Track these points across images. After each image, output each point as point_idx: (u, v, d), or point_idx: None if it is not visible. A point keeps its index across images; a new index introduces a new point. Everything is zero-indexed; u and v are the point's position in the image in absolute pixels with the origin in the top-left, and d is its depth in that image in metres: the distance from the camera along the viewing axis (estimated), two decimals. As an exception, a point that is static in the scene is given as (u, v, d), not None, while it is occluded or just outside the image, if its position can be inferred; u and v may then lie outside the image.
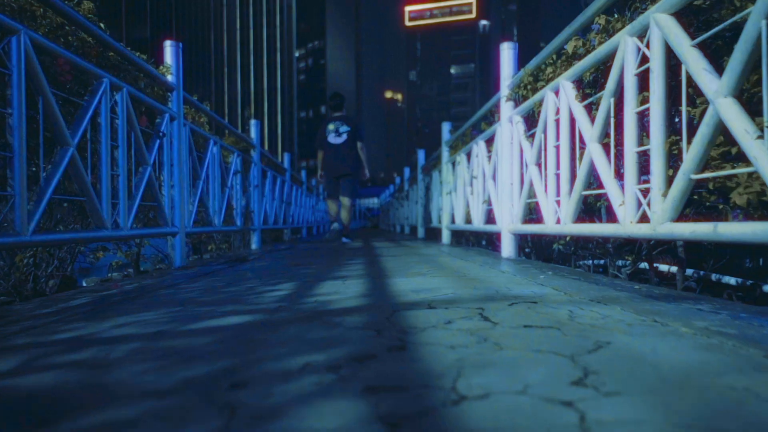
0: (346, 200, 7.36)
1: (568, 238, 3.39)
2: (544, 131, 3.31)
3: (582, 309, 1.76)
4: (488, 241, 5.73)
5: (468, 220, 5.55)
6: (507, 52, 4.14)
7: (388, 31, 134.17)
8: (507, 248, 3.95)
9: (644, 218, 2.25)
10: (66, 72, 2.76)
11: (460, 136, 6.28)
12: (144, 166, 3.38)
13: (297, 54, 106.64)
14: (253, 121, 6.86)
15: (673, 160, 2.25)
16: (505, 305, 1.85)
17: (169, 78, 3.96)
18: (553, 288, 2.25)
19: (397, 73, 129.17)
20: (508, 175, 3.93)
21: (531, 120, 3.77)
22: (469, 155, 5.56)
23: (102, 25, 3.28)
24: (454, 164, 6.39)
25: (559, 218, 3.01)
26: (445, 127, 6.93)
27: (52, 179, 2.46)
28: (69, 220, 3.04)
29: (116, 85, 3.05)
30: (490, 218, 4.70)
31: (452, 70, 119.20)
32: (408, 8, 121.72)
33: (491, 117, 4.88)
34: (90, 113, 2.77)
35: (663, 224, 2.06)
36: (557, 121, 3.14)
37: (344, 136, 7.36)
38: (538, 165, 3.44)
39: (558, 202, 3.08)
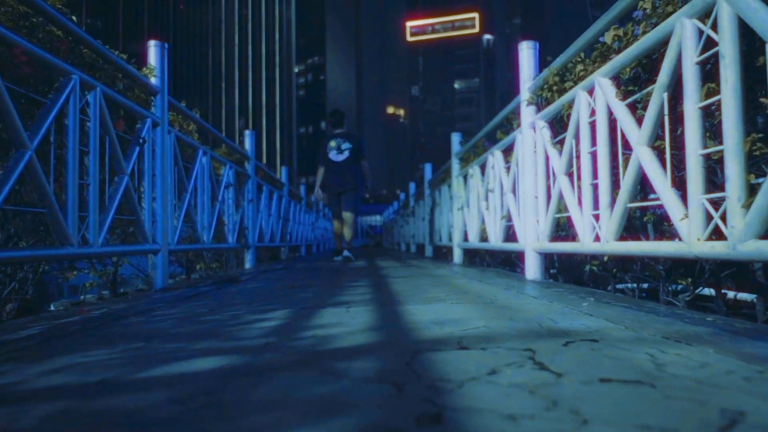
0: (348, 215, 7.26)
1: (606, 258, 2.97)
2: (576, 136, 2.91)
3: (664, 352, 1.34)
4: (506, 261, 5.31)
5: (483, 238, 5.13)
6: (527, 52, 3.75)
7: (389, 46, 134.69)
8: (532, 269, 3.53)
9: (716, 234, 1.85)
10: (23, 64, 2.37)
11: (471, 147, 5.89)
12: (120, 176, 2.98)
13: (296, 69, 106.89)
14: (247, 132, 6.47)
15: (753, 163, 1.85)
16: (558, 345, 1.43)
17: (153, 80, 3.58)
18: (606, 319, 1.83)
19: (399, 88, 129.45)
20: (532, 187, 3.52)
21: (558, 125, 3.37)
22: (483, 167, 5.15)
23: (74, 17, 2.91)
24: (465, 177, 5.99)
25: (599, 235, 2.60)
26: (455, 138, 6.54)
27: (3, 187, 2.06)
28: (28, 235, 2.64)
29: (88, 84, 2.66)
30: (509, 236, 4.28)
31: (456, 85, 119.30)
32: (409, 23, 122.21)
33: (508, 125, 4.49)
34: (54, 113, 2.37)
35: (746, 242, 1.65)
36: (592, 124, 2.74)
37: (346, 154, 7.28)
38: (569, 175, 3.04)
39: (596, 217, 2.67)
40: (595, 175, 2.67)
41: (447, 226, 7.10)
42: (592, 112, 2.73)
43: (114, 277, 3.61)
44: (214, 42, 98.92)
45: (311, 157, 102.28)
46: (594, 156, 2.71)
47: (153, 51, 3.61)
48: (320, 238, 16.29)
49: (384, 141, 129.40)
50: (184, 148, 4.28)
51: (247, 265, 6.28)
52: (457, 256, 6.32)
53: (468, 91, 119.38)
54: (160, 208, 3.46)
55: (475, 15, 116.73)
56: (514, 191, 4.01)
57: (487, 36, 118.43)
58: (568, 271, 3.80)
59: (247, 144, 6.42)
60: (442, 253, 8.56)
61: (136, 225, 3.22)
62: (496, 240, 4.51)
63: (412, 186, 11.94)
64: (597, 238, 2.63)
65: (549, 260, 3.87)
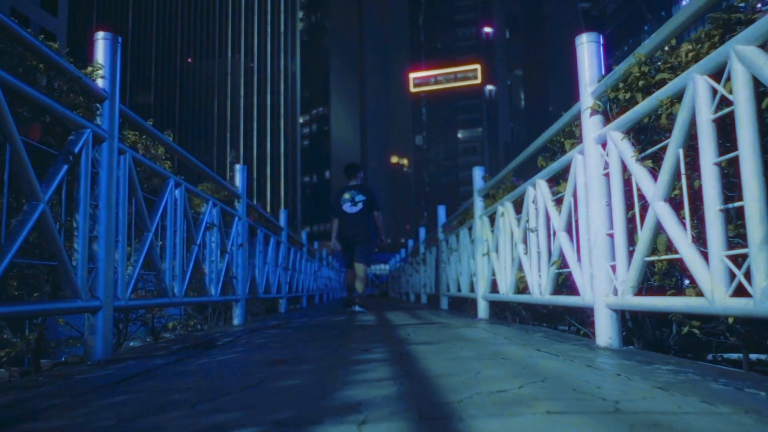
0: (360, 266, 7.29)
1: (730, 320, 2.03)
2: (687, 143, 2.01)
3: None
4: (550, 317, 4.32)
5: (521, 289, 4.17)
6: (587, 47, 2.89)
7: (392, 97, 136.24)
8: (605, 332, 2.56)
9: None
10: None
11: (498, 182, 4.99)
12: (32, 203, 2.08)
13: (301, 120, 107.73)
14: (238, 166, 5.60)
15: None
16: None
17: (99, 82, 2.71)
18: None
19: (403, 137, 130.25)
20: (603, 221, 2.60)
21: (641, 135, 2.48)
22: (518, 203, 4.25)
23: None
24: (492, 218, 5.08)
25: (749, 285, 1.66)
26: (477, 172, 5.65)
27: None
28: None
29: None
30: (563, 286, 3.34)
31: (459, 134, 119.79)
32: (412, 75, 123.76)
33: (554, 148, 3.60)
34: None
35: None
36: (718, 122, 1.84)
37: (360, 206, 7.35)
38: (669, 201, 2.12)
39: (731, 258, 1.74)
40: (739, 196, 1.73)
41: (467, 274, 6.16)
42: (719, 104, 1.83)
43: (37, 344, 2.66)
44: (220, 94, 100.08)
45: (315, 206, 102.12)
46: (720, 168, 1.80)
47: (101, 45, 2.75)
48: (323, 288, 15.30)
49: (388, 190, 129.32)
50: (150, 176, 3.40)
51: (236, 321, 5.30)
52: (482, 309, 5.35)
53: (471, 141, 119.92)
54: (103, 250, 2.54)
55: (477, 67, 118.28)
56: (571, 229, 3.07)
57: (490, 87, 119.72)
58: (643, 331, 2.85)
59: (238, 180, 5.53)
60: (457, 305, 7.61)
61: (59, 272, 2.30)
62: (540, 292, 3.56)
63: (422, 231, 11.03)
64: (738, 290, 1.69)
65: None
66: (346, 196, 7.44)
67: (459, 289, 6.71)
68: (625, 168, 2.47)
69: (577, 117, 2.97)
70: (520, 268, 4.10)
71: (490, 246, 5.02)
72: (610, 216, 2.56)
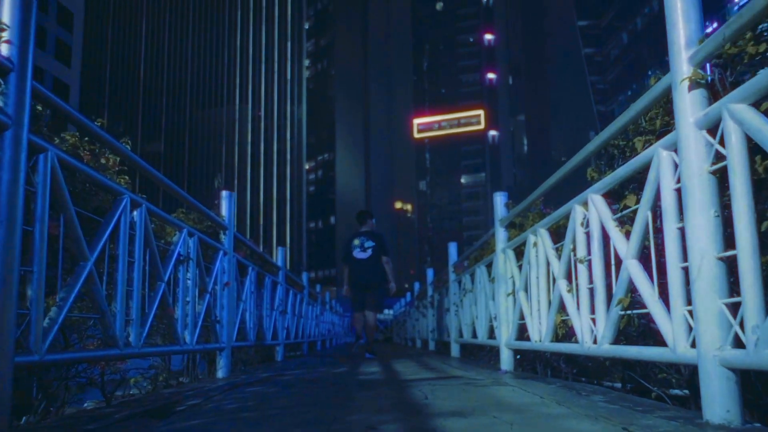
0: (370, 314, 7.40)
1: None
2: None
3: None
4: (596, 370, 3.51)
5: (562, 336, 3.39)
6: None
7: (397, 142, 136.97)
8: (719, 402, 1.74)
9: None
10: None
11: (528, 207, 4.25)
12: None
13: (307, 166, 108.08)
14: (224, 193, 4.87)
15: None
16: None
17: (3, 49, 1.96)
18: None
19: (407, 183, 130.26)
20: (711, 239, 1.79)
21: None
22: (556, 230, 3.52)
23: None
24: (519, 250, 4.32)
25: None
26: (499, 199, 4.92)
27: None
28: None
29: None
30: (628, 333, 2.55)
31: (463, 180, 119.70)
32: (416, 121, 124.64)
33: (613, 151, 2.87)
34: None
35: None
36: None
37: (369, 252, 7.44)
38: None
39: None
40: None
41: (485, 318, 5.36)
42: None
43: None
44: (228, 141, 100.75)
45: (320, 251, 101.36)
46: None
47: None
48: (326, 333, 14.43)
49: (392, 235, 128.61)
50: (93, 189, 2.67)
51: (220, 373, 4.49)
52: (506, 359, 4.53)
53: (475, 186, 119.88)
54: None
55: (480, 112, 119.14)
56: (649, 257, 2.29)
57: (493, 132, 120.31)
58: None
59: (224, 208, 4.80)
60: (472, 352, 6.80)
61: None
62: (595, 339, 2.78)
63: (429, 273, 10.23)
64: None
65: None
66: (356, 242, 7.55)
67: (474, 335, 5.91)
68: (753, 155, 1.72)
69: (657, 101, 2.24)
70: (561, 310, 3.32)
71: (516, 284, 4.25)
72: (723, 231, 1.80)
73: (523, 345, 4.05)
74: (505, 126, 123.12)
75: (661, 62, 62.80)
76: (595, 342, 2.77)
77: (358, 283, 7.44)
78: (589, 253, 2.89)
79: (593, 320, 2.85)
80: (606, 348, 2.63)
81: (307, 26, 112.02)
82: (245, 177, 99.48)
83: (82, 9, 45.96)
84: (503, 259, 4.61)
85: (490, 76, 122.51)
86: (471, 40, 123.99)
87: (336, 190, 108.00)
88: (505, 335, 4.48)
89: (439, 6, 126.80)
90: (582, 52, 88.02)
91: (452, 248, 7.53)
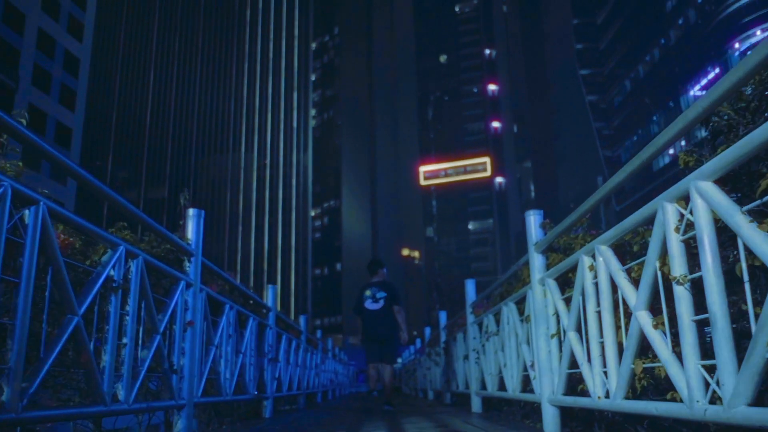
0: (387, 367, 7.37)
1: None
2: None
3: None
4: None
5: (642, 390, 2.38)
6: None
7: (403, 190, 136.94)
8: None
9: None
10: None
11: (573, 224, 3.29)
12: None
13: (312, 213, 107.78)
14: (192, 211, 3.96)
15: None
16: None
17: None
18: None
19: (414, 230, 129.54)
20: None
21: None
22: (618, 247, 2.61)
23: None
24: (566, 278, 3.39)
25: None
26: (533, 219, 4.00)
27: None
28: None
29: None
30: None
31: (470, 226, 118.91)
32: (423, 168, 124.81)
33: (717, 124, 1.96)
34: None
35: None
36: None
37: (381, 302, 7.40)
38: None
39: None
40: None
41: (517, 366, 4.37)
42: None
43: None
44: (233, 188, 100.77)
45: (325, 300, 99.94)
46: None
47: None
48: (328, 384, 13.26)
49: (400, 283, 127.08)
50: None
51: (179, 440, 3.49)
52: (551, 420, 3.52)
53: (482, 232, 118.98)
54: None
55: (487, 159, 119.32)
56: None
57: (499, 179, 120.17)
58: None
59: (191, 230, 3.88)
60: (498, 407, 5.73)
61: None
62: (716, 396, 1.79)
63: (442, 316, 9.23)
64: None
65: None
66: (368, 293, 7.51)
67: (502, 387, 4.89)
68: None
69: None
70: (644, 353, 2.33)
71: (563, 322, 3.27)
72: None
73: (579, 402, 3.05)
74: (511, 173, 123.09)
75: (665, 107, 62.73)
76: (728, 403, 1.76)
77: (372, 335, 7.40)
78: (696, 269, 1.93)
79: (707, 367, 1.87)
80: (743, 412, 1.63)
81: (313, 78, 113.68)
82: (250, 224, 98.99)
83: (88, 55, 46.27)
84: (542, 292, 3.67)
85: (495, 124, 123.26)
86: (475, 90, 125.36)
87: (342, 237, 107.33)
88: (548, 389, 3.48)
89: (442, 58, 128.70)
90: (585, 100, 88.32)
91: (470, 285, 6.59)
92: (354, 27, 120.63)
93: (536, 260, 3.83)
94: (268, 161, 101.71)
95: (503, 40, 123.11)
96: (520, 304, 4.37)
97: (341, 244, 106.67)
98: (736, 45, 50.65)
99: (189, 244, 3.80)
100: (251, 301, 5.55)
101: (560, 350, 3.41)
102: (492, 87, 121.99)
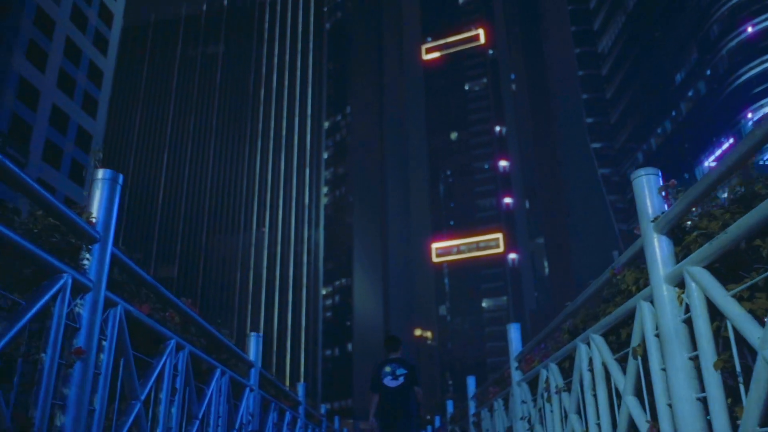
0: None
1: None
2: None
3: None
4: None
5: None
6: None
7: (415, 268, 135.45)
8: None
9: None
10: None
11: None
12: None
13: (324, 292, 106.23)
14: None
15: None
16: None
17: None
18: None
19: (427, 308, 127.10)
20: None
21: None
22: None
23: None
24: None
25: None
26: (648, 181, 2.79)
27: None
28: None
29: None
30: None
31: (484, 304, 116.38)
32: (435, 245, 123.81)
33: None
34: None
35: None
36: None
37: (401, 380, 7.20)
38: None
39: None
40: None
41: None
42: None
43: None
44: (243, 266, 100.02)
45: (336, 382, 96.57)
46: None
47: None
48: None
49: (413, 363, 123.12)
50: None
51: None
52: None
53: (497, 310, 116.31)
54: None
55: (499, 236, 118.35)
56: None
57: (512, 255, 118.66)
58: None
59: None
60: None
61: None
62: None
63: (470, 382, 7.73)
64: None
65: None
66: (387, 369, 7.28)
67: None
68: None
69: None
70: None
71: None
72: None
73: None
74: (524, 249, 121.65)
75: (679, 179, 61.99)
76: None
77: (390, 413, 7.08)
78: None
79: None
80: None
81: (326, 156, 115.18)
82: (260, 303, 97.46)
83: (102, 131, 46.65)
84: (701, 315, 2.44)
85: (507, 200, 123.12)
86: (486, 166, 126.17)
87: (354, 317, 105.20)
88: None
89: (453, 136, 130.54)
90: (598, 173, 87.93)
91: (515, 332, 5.16)
92: (366, 106, 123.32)
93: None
94: (279, 238, 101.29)
95: (513, 117, 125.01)
96: (610, 335, 3.10)
97: (353, 323, 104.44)
98: (749, 115, 50.34)
99: (95, 221, 2.59)
100: (224, 356, 4.12)
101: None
102: (503, 163, 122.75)
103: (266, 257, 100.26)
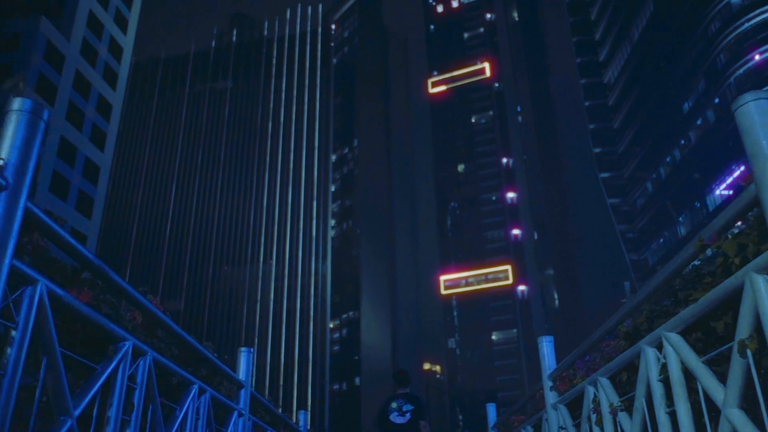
0: None
1: None
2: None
3: None
4: None
5: None
6: None
7: (423, 300, 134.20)
8: None
9: None
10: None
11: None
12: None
13: (331, 324, 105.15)
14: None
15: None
16: None
17: None
18: None
19: (435, 341, 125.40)
20: None
21: None
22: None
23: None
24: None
25: None
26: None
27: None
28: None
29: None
30: None
31: (494, 337, 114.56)
32: (443, 277, 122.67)
33: None
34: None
35: None
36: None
37: (408, 416, 7.17)
38: None
39: None
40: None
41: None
42: None
43: None
44: (250, 300, 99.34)
45: (343, 416, 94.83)
46: None
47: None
48: None
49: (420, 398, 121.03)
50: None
51: None
52: None
53: (507, 343, 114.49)
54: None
55: (508, 267, 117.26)
56: None
57: (522, 287, 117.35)
58: None
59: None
60: None
61: None
62: None
63: (490, 410, 7.20)
64: None
65: None
66: (394, 405, 7.29)
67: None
68: None
69: None
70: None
71: None
72: None
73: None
74: (533, 280, 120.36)
75: (691, 208, 61.20)
76: None
77: None
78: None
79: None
80: None
81: (333, 188, 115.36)
82: (266, 336, 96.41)
83: (109, 164, 46.74)
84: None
85: (515, 231, 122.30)
86: (494, 198, 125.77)
87: (361, 350, 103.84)
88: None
89: (460, 167, 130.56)
90: (607, 202, 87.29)
91: (547, 346, 4.58)
92: (373, 139, 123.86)
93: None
94: (286, 270, 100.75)
95: (520, 148, 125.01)
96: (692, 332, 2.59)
97: (360, 357, 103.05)
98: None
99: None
100: (205, 372, 3.54)
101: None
102: (511, 194, 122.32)
103: (273, 290, 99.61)
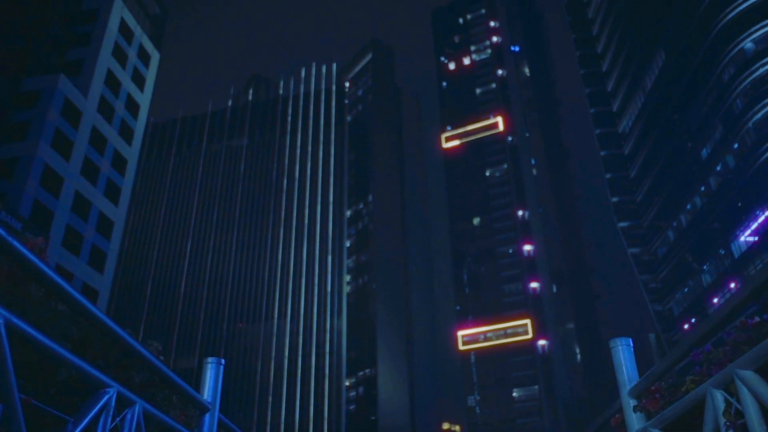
0: None
1: None
2: None
3: None
4: None
5: None
6: None
7: (441, 356, 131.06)
8: None
9: None
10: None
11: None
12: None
13: (347, 382, 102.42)
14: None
15: None
16: None
17: None
18: None
19: (454, 399, 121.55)
20: None
21: None
22: None
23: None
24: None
25: None
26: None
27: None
28: None
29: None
30: None
31: (515, 394, 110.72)
32: (460, 332, 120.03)
33: None
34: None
35: None
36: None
37: None
38: None
39: None
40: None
41: None
42: None
43: None
44: (264, 354, 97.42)
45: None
46: None
47: None
48: None
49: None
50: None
51: None
52: None
53: (528, 400, 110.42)
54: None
55: (527, 321, 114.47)
56: None
57: (542, 341, 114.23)
58: None
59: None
60: None
61: None
62: None
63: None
64: None
65: None
66: None
67: None
68: None
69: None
70: None
71: None
72: None
73: None
74: (554, 334, 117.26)
75: (715, 256, 59.47)
76: None
77: None
78: None
79: None
80: None
81: (348, 244, 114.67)
82: (281, 395, 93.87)
83: (123, 218, 46.56)
84: None
85: (533, 285, 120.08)
86: (510, 251, 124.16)
87: (378, 410, 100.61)
88: None
89: (476, 221, 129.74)
90: (628, 253, 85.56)
91: (626, 352, 3.62)
92: (387, 194, 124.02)
93: None
94: (300, 327, 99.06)
95: (535, 200, 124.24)
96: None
97: (377, 416, 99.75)
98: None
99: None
100: (152, 391, 2.55)
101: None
102: (527, 247, 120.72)
103: (288, 347, 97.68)
